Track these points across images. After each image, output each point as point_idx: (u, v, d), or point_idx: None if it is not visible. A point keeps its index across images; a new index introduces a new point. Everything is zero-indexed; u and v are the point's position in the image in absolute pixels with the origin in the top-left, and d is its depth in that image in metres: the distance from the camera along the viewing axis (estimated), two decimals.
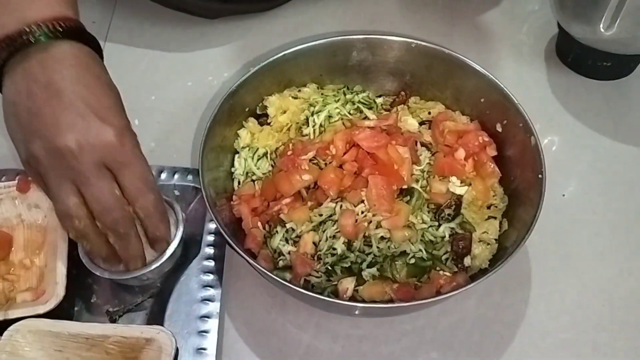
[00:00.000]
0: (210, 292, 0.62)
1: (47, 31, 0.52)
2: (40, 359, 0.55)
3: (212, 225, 0.65)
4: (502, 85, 0.66)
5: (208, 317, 0.60)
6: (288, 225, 0.62)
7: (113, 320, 0.61)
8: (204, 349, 0.58)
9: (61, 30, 0.52)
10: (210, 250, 0.64)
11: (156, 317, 0.61)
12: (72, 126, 0.51)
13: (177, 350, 0.55)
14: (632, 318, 0.63)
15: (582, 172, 0.75)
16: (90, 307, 0.63)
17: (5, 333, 0.54)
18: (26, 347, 0.55)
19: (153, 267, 0.59)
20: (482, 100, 0.68)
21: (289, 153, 0.65)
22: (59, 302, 0.58)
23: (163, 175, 0.69)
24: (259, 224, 0.63)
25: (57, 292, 0.58)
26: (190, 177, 0.69)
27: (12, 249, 0.64)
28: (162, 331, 0.55)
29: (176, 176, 0.69)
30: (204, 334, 0.59)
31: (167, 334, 0.55)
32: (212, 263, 0.63)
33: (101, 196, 0.53)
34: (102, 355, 0.55)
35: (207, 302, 0.61)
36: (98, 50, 0.57)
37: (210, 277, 0.63)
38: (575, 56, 0.82)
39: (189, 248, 0.64)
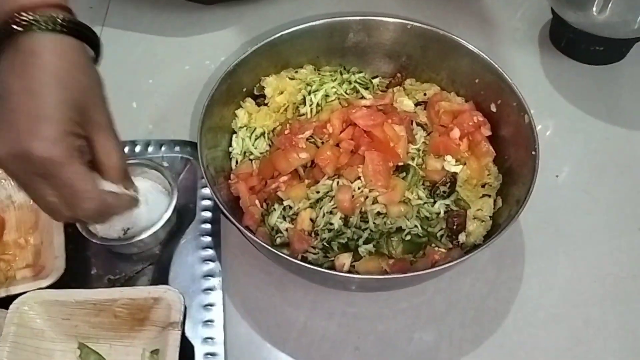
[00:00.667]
0: (210, 252, 0.64)
1: (35, 21, 0.49)
2: (49, 329, 0.56)
3: (204, 191, 0.67)
4: (496, 66, 0.66)
5: (211, 275, 0.62)
6: (285, 203, 0.63)
7: None
8: (212, 304, 0.60)
9: (51, 22, 0.50)
10: (205, 215, 0.66)
11: (159, 282, 0.62)
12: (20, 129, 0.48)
13: (185, 307, 0.56)
14: (622, 293, 0.64)
15: (574, 154, 0.76)
16: (90, 279, 0.64)
17: (12, 306, 0.55)
18: (35, 318, 0.55)
19: (149, 233, 0.61)
20: (476, 81, 0.69)
21: (286, 132, 0.66)
22: (61, 274, 0.58)
23: (150, 148, 0.71)
24: (257, 201, 0.64)
25: (58, 265, 0.59)
26: (177, 148, 0.71)
27: (5, 230, 0.65)
28: (169, 289, 0.56)
29: (163, 148, 0.71)
30: (209, 291, 0.61)
31: (174, 291, 0.56)
32: (208, 226, 0.65)
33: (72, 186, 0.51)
34: (110, 319, 0.56)
35: (208, 262, 0.63)
36: (91, 40, 0.54)
37: (208, 239, 0.64)
38: (568, 41, 0.83)
39: (183, 216, 0.66)
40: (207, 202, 0.67)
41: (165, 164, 0.68)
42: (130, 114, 0.79)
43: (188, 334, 0.57)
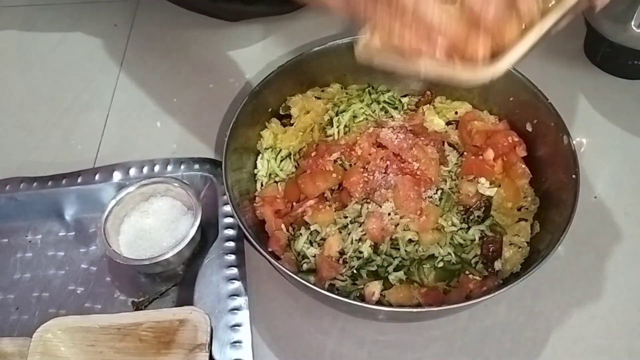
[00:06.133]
0: (234, 271, 0.62)
1: None
2: (73, 356, 0.55)
3: (226, 209, 0.65)
4: (532, 84, 0.64)
5: (237, 294, 0.60)
6: (312, 228, 0.61)
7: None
8: (239, 324, 0.58)
9: None
10: (228, 232, 0.64)
11: (184, 303, 0.60)
12: None
13: (211, 328, 0.54)
14: None
15: (613, 173, 0.73)
16: (114, 303, 0.63)
17: (35, 334, 0.54)
18: (59, 346, 0.54)
19: (174, 251, 0.60)
20: (511, 99, 0.66)
21: (313, 154, 0.64)
22: None
23: (169, 167, 0.70)
24: (283, 226, 0.62)
25: None
26: (197, 166, 0.70)
27: None
28: (194, 310, 0.55)
29: (183, 166, 0.70)
30: (236, 311, 0.59)
31: (200, 312, 0.55)
32: (232, 244, 0.64)
33: None
34: (135, 343, 0.55)
35: (234, 280, 0.61)
36: None
37: (232, 257, 0.63)
38: (604, 55, 0.80)
39: (207, 233, 0.65)
40: (230, 220, 0.65)
41: (185, 182, 0.67)
42: (155, 133, 0.79)
43: (216, 356, 0.56)
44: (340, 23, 0.87)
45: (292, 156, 0.67)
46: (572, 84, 0.82)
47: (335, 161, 0.63)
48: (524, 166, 0.64)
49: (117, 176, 0.69)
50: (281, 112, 0.70)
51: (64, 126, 0.80)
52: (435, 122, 0.68)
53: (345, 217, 0.60)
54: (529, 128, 0.65)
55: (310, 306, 0.62)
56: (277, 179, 0.66)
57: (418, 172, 0.60)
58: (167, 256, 0.60)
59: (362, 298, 0.57)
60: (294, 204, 0.63)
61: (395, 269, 0.58)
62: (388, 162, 0.61)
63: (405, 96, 0.72)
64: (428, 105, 0.71)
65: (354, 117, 0.67)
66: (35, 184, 0.69)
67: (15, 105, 0.83)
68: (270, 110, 0.69)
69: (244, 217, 0.60)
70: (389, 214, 0.59)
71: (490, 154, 0.64)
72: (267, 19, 0.89)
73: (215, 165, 0.70)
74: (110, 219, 0.64)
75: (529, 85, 0.64)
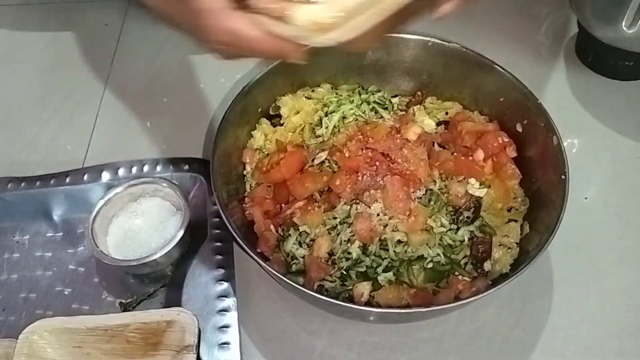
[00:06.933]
0: (223, 272, 0.61)
1: None
2: (60, 358, 0.54)
3: (216, 209, 0.65)
4: (522, 84, 0.64)
5: (225, 295, 0.60)
6: (301, 229, 0.61)
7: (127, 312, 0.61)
8: (227, 326, 0.58)
9: None
10: (217, 233, 0.64)
11: (172, 304, 0.60)
12: None
13: (199, 329, 0.54)
14: None
15: (603, 175, 0.73)
16: (102, 304, 0.62)
17: (21, 336, 0.54)
18: (45, 348, 0.54)
19: (162, 252, 0.60)
20: (501, 99, 0.66)
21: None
22: None
23: (159, 167, 0.70)
24: (272, 227, 0.62)
25: None
26: (186, 166, 0.69)
27: None
28: (182, 312, 0.54)
29: (172, 166, 0.69)
30: (224, 312, 0.59)
31: (188, 313, 0.54)
32: (221, 245, 0.63)
33: None
34: (123, 345, 0.55)
35: (222, 281, 0.61)
36: None
37: (221, 258, 0.62)
38: (595, 56, 0.80)
39: (196, 233, 0.64)
40: (218, 220, 0.65)
41: (174, 182, 0.67)
42: (145, 133, 0.78)
43: (203, 357, 0.55)
44: None
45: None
46: (564, 85, 0.82)
47: (323, 162, 0.63)
48: (514, 167, 0.64)
49: (105, 176, 0.69)
50: (271, 112, 0.70)
51: (54, 126, 0.80)
52: (426, 123, 0.68)
53: (334, 218, 0.60)
54: (519, 129, 0.65)
55: (299, 307, 0.62)
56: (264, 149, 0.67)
57: (407, 173, 0.60)
58: (155, 257, 0.60)
59: (351, 299, 0.57)
60: (283, 205, 0.63)
61: (385, 270, 0.58)
62: (377, 163, 0.61)
63: (395, 96, 0.72)
64: (418, 105, 0.71)
65: (344, 118, 0.67)
66: (23, 184, 0.68)
67: (5, 105, 0.83)
68: (260, 110, 0.69)
69: (233, 218, 0.60)
70: (378, 215, 0.59)
71: (480, 154, 0.64)
72: None
73: (204, 165, 0.69)
74: (99, 220, 0.63)
75: (519, 86, 0.64)
